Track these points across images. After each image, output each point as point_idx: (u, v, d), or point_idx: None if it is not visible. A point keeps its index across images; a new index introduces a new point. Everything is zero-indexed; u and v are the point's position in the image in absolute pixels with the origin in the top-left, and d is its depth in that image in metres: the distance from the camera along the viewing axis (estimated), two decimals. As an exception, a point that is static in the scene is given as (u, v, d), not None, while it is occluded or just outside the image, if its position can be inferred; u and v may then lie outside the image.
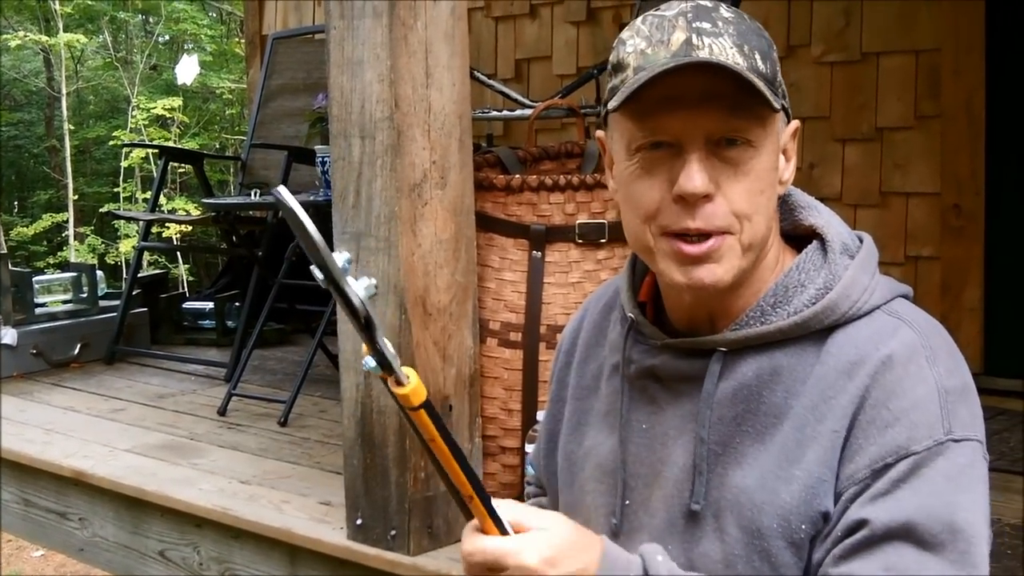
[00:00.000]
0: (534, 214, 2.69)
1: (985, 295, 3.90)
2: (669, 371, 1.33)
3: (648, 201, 1.25)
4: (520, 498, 2.61)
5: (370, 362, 1.06)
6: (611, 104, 1.25)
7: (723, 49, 1.20)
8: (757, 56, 1.22)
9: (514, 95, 3.56)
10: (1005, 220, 3.87)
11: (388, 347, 1.06)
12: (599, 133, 1.37)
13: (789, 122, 1.30)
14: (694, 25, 1.21)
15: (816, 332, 1.25)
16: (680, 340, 1.32)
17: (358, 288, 1.01)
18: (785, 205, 1.38)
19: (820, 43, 4.22)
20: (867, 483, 1.17)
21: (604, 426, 1.41)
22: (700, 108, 1.20)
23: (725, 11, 1.25)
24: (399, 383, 1.07)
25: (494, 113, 3.58)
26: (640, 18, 1.27)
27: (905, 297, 1.31)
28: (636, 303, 1.38)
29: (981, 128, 3.87)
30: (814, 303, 1.25)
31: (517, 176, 2.72)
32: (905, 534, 1.14)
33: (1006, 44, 3.84)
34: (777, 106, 1.22)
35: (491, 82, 3.58)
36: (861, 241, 1.34)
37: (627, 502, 1.35)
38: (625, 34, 1.27)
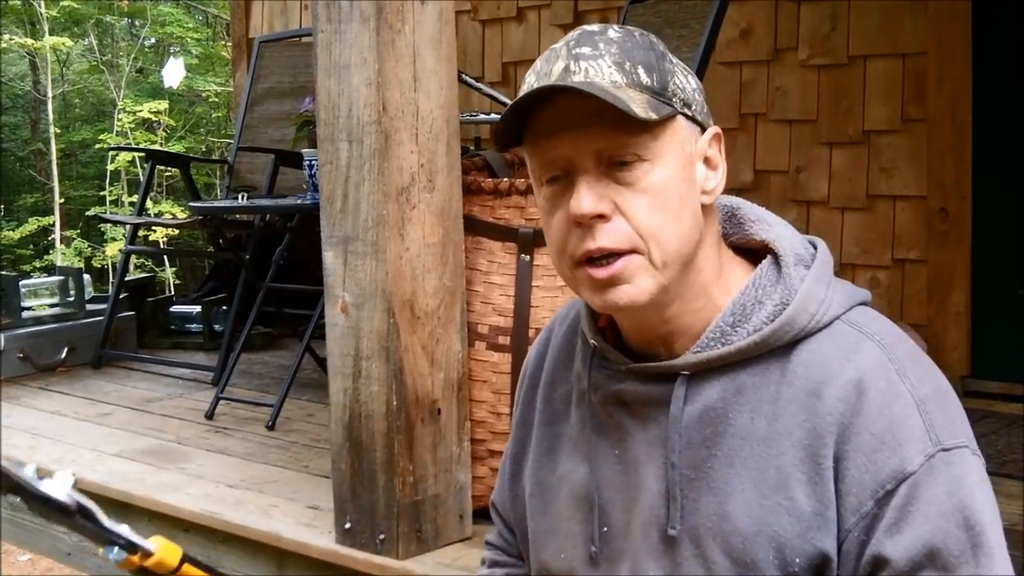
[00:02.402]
0: (522, 217, 2.69)
1: (972, 299, 3.92)
2: (634, 396, 1.32)
3: (556, 235, 1.26)
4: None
5: (111, 551, 0.97)
6: (498, 141, 1.28)
7: (599, 71, 1.22)
8: (640, 70, 1.23)
9: (502, 98, 3.56)
10: (991, 223, 3.89)
11: (120, 526, 0.98)
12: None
13: (705, 129, 1.29)
14: (574, 52, 1.24)
15: (777, 348, 1.25)
16: (643, 365, 1.31)
17: (59, 487, 0.92)
18: (734, 219, 1.37)
19: (806, 47, 4.24)
20: (874, 513, 1.16)
21: (575, 453, 1.40)
22: (584, 130, 1.21)
23: (613, 32, 1.26)
24: (149, 554, 1.00)
25: (482, 116, 3.58)
26: (542, 54, 1.29)
27: (864, 303, 1.30)
28: (597, 329, 1.37)
29: (967, 131, 3.88)
30: (772, 320, 1.25)
31: (505, 179, 2.72)
32: (929, 561, 1.14)
33: (992, 47, 3.86)
34: (653, 116, 1.20)
35: (479, 85, 3.57)
36: (815, 247, 1.33)
37: (604, 528, 1.34)
38: (530, 70, 1.29)
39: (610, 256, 1.22)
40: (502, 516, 1.60)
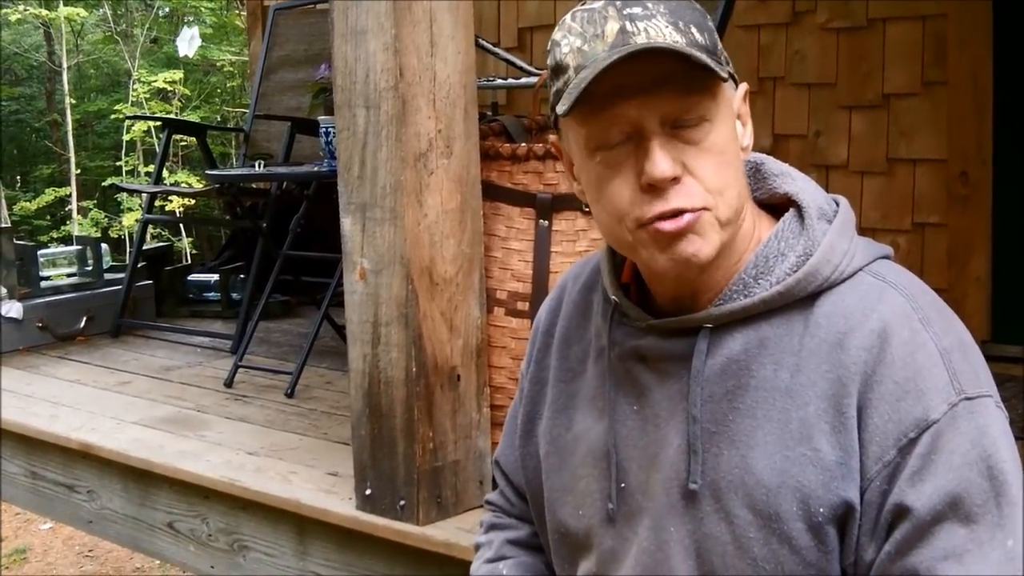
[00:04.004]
0: (540, 183, 2.68)
1: (992, 263, 3.89)
2: (655, 352, 1.32)
3: (619, 199, 1.24)
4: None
5: None
6: (560, 108, 1.23)
7: (659, 30, 1.19)
8: (694, 29, 1.21)
9: (519, 63, 3.54)
10: (1013, 188, 3.85)
11: None
12: (552, 138, 1.36)
13: (737, 87, 1.30)
14: (625, 12, 1.20)
15: (800, 300, 1.25)
16: (665, 320, 1.31)
17: None
18: (759, 174, 1.37)
19: (825, 10, 4.19)
20: (897, 462, 1.16)
21: (592, 410, 1.40)
22: (651, 94, 1.19)
23: None
24: None
25: (499, 82, 3.56)
26: (569, 14, 1.26)
27: (886, 257, 1.31)
28: (619, 285, 1.37)
29: (988, 95, 3.84)
30: (795, 271, 1.25)
31: (523, 145, 2.71)
32: (952, 511, 1.14)
33: (1013, 9, 3.81)
34: (724, 75, 1.21)
35: (496, 50, 3.55)
36: (837, 204, 1.33)
37: (622, 485, 1.34)
38: (557, 34, 1.26)
39: (681, 213, 1.21)
40: (507, 475, 1.60)
